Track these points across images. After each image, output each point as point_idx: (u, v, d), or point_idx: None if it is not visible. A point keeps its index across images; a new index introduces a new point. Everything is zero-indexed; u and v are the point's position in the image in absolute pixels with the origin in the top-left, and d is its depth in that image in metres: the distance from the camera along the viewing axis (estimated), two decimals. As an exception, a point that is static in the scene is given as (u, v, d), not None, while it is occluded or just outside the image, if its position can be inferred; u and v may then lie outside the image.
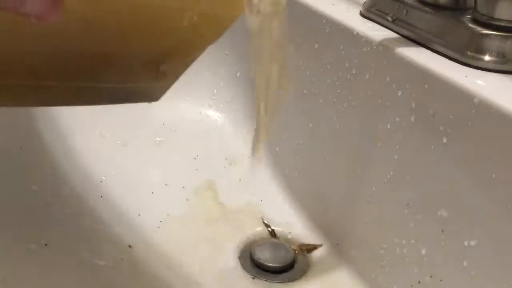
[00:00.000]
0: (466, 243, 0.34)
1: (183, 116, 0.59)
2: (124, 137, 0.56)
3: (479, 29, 0.36)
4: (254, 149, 0.33)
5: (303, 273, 0.44)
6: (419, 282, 0.38)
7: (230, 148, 0.56)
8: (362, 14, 0.45)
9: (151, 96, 0.34)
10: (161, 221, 0.48)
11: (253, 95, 0.32)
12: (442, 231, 0.36)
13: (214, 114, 0.59)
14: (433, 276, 0.37)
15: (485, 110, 0.32)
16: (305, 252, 0.46)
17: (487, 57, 0.36)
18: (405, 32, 0.41)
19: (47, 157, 0.51)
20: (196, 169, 0.54)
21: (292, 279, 0.44)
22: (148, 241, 0.46)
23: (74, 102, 0.34)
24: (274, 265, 0.44)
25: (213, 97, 0.59)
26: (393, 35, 0.41)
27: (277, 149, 0.54)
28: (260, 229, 0.48)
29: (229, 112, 0.58)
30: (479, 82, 0.34)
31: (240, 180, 0.53)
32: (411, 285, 0.38)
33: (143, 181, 0.52)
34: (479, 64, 0.36)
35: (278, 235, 0.48)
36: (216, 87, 0.59)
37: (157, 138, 0.57)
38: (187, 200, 0.50)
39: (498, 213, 0.32)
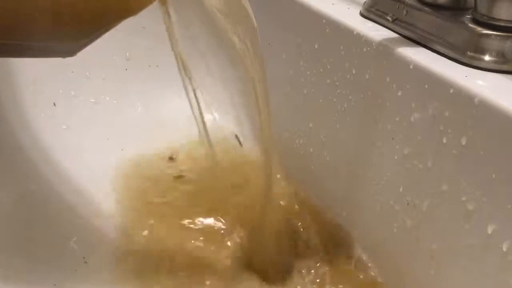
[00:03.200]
0: (466, 243, 0.34)
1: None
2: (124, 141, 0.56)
3: (479, 29, 0.36)
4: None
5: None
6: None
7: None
8: (362, 14, 0.45)
9: (69, 52, 0.36)
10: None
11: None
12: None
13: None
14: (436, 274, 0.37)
15: (485, 110, 0.32)
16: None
17: (487, 57, 0.36)
18: (405, 32, 0.41)
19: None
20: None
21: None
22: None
23: None
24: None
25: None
26: (393, 35, 0.41)
27: (277, 149, 0.54)
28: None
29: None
30: (479, 82, 0.34)
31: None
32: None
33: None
34: (479, 64, 0.36)
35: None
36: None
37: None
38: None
39: (498, 213, 0.32)
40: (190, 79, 0.38)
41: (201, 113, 0.41)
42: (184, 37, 0.39)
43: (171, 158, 0.53)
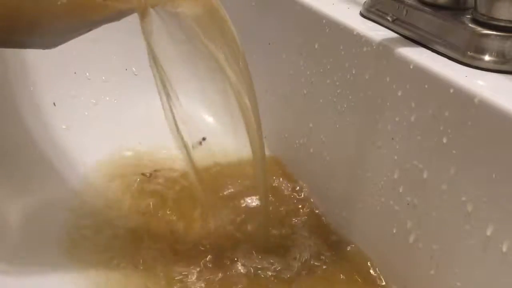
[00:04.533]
0: (466, 243, 0.34)
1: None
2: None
3: (479, 29, 0.36)
4: None
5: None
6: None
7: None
8: (362, 14, 0.45)
9: (48, 45, 0.39)
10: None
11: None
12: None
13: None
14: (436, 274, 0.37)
15: (485, 110, 0.32)
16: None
17: (487, 57, 0.36)
18: (405, 32, 0.41)
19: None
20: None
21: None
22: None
23: None
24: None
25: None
26: (393, 35, 0.41)
27: (278, 149, 0.54)
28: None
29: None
30: (479, 82, 0.34)
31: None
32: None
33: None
34: (479, 64, 0.36)
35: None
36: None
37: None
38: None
39: (498, 213, 0.32)
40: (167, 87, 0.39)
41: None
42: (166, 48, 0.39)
43: (149, 174, 0.53)
